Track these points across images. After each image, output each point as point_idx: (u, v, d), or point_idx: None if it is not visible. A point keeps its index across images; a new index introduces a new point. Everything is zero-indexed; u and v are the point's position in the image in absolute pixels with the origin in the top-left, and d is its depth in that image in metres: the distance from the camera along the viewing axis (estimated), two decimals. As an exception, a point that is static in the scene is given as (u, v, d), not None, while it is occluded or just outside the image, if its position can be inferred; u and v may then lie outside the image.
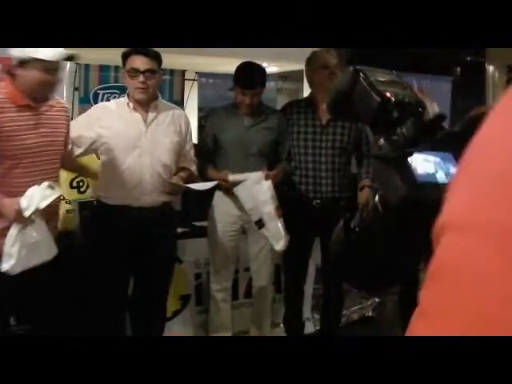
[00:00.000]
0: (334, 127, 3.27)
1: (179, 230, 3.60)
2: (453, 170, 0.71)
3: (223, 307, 3.37)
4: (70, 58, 2.45)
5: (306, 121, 3.29)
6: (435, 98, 3.36)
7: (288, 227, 3.32)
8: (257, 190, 3.06)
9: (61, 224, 3.10)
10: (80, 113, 4.32)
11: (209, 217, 3.32)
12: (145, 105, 2.84)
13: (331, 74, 3.19)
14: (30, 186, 2.31)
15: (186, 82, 4.75)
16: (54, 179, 2.48)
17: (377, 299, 4.41)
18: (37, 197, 2.26)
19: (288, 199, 3.33)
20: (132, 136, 2.80)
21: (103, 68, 4.36)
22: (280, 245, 3.11)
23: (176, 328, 3.46)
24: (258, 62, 3.30)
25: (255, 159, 3.19)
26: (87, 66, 4.27)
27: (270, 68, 5.29)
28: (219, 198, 3.27)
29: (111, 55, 4.26)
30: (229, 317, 3.42)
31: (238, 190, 3.10)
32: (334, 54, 3.24)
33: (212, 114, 3.41)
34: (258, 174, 3.08)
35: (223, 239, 3.27)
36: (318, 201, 3.27)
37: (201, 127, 4.83)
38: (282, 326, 3.78)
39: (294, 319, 3.60)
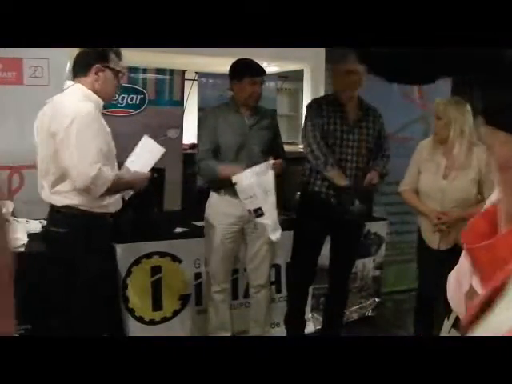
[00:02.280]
0: (359, 127, 3.30)
1: (179, 229, 3.61)
2: None
3: (222, 308, 3.37)
4: None
5: (334, 119, 3.30)
6: (435, 98, 3.35)
7: (302, 225, 3.37)
8: (264, 179, 3.07)
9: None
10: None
11: (206, 218, 3.32)
12: None
13: (354, 80, 3.20)
14: None
15: (186, 81, 4.74)
16: None
17: (377, 299, 4.41)
18: None
19: (306, 196, 3.37)
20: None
21: (103, 68, 4.36)
22: (277, 235, 3.13)
23: (176, 328, 3.46)
24: (257, 62, 3.31)
25: (258, 158, 3.21)
26: (87, 66, 4.27)
27: (270, 68, 5.29)
28: (218, 199, 3.27)
29: (111, 55, 4.27)
30: (228, 317, 3.42)
31: (241, 177, 3.07)
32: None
33: (211, 113, 3.36)
34: (265, 163, 3.09)
35: (222, 241, 3.26)
36: (336, 198, 3.28)
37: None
38: (282, 325, 3.78)
39: (296, 319, 3.60)
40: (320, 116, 3.28)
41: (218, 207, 3.26)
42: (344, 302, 3.67)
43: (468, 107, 3.08)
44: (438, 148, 3.13)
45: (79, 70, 2.69)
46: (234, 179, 3.07)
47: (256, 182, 3.06)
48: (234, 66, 3.28)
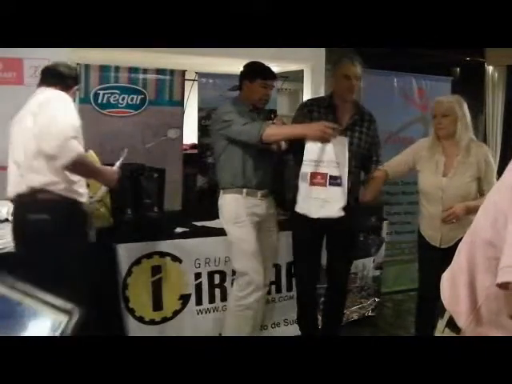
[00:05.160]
0: (352, 131, 3.28)
1: (179, 229, 3.61)
2: None
3: (259, 308, 3.35)
4: None
5: (327, 122, 3.26)
6: (435, 98, 3.35)
7: (298, 225, 3.35)
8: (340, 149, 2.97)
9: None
10: (80, 113, 4.33)
11: (230, 223, 3.22)
12: None
13: (351, 85, 3.20)
14: None
15: (186, 81, 4.75)
16: None
17: (377, 299, 4.41)
18: None
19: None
20: None
21: (103, 68, 4.36)
22: (341, 212, 2.96)
23: (176, 328, 3.46)
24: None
25: (272, 157, 3.27)
26: (87, 66, 4.27)
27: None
28: (240, 200, 3.19)
29: (111, 55, 4.27)
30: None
31: (342, 140, 2.95)
32: (357, 64, 3.20)
33: (232, 105, 3.20)
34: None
35: (254, 242, 3.21)
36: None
37: (202, 127, 4.84)
38: (282, 325, 3.79)
39: (307, 319, 3.60)
40: (309, 119, 3.25)
41: (243, 208, 3.20)
42: (342, 302, 3.65)
43: (465, 103, 3.12)
44: (438, 146, 3.14)
45: None
46: (336, 138, 2.94)
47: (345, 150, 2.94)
48: (247, 67, 3.28)
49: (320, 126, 2.95)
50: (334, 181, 2.93)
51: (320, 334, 3.69)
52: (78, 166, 2.60)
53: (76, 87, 2.99)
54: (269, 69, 3.26)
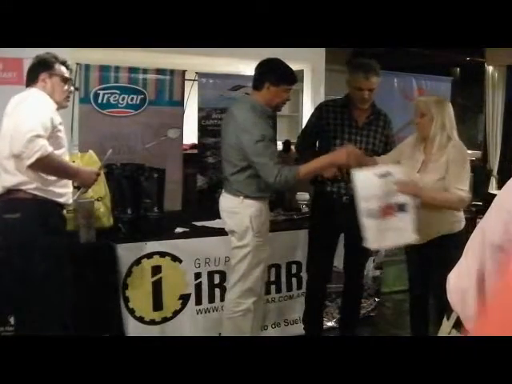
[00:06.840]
0: (368, 130, 3.38)
1: (179, 229, 3.61)
2: None
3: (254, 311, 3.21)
4: None
5: (342, 120, 3.37)
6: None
7: (316, 224, 3.41)
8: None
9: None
10: (80, 113, 4.33)
11: (253, 231, 3.03)
12: None
13: (363, 96, 3.30)
14: None
15: (186, 81, 4.74)
16: None
17: (377, 299, 4.42)
18: None
19: (319, 195, 3.44)
20: None
21: (103, 68, 4.36)
22: (412, 234, 2.91)
23: (176, 328, 3.46)
24: (257, 62, 3.28)
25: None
26: (87, 66, 4.27)
27: (270, 68, 5.29)
28: (263, 208, 3.07)
29: (111, 55, 4.27)
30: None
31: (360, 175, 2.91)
32: (372, 76, 3.28)
33: (261, 115, 3.02)
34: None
35: (266, 250, 3.13)
36: (348, 197, 3.26)
37: (202, 127, 4.85)
38: (282, 325, 3.79)
39: (313, 317, 3.63)
40: (325, 118, 3.37)
41: (264, 217, 3.09)
42: (359, 298, 3.76)
43: (448, 104, 3.14)
44: (420, 145, 3.18)
45: None
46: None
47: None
48: (273, 68, 3.04)
49: (344, 151, 2.97)
50: (402, 208, 2.92)
51: (338, 331, 3.75)
52: (44, 165, 2.56)
53: (48, 72, 2.75)
54: (294, 72, 3.10)
